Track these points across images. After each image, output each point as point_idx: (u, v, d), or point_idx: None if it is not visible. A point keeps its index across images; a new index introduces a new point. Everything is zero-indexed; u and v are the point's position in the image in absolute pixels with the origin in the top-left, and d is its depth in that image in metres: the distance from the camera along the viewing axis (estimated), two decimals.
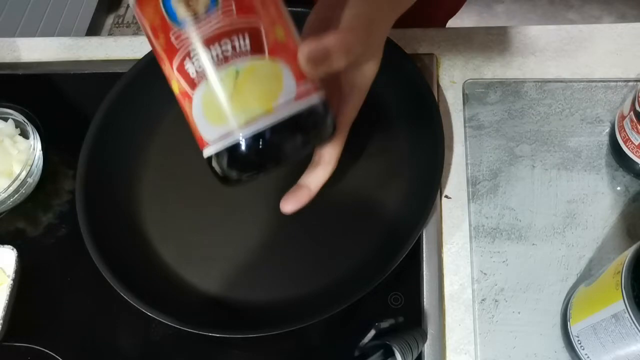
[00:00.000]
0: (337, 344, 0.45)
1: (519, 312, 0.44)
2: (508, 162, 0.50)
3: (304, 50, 0.29)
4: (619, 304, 0.33)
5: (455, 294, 0.46)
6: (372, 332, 0.43)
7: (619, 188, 0.48)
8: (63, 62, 0.62)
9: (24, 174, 0.51)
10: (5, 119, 0.54)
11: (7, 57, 0.63)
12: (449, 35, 0.57)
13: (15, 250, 0.49)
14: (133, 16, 1.84)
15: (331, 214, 0.49)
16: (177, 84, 0.30)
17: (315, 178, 0.37)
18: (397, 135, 0.52)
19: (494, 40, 0.56)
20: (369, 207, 0.49)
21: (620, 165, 0.48)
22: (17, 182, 0.50)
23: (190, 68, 0.28)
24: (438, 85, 0.55)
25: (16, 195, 0.51)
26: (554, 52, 0.55)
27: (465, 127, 0.52)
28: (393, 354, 0.40)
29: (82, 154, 0.50)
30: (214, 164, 0.30)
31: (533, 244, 0.47)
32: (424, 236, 0.47)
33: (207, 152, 0.30)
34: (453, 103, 0.54)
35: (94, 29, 1.74)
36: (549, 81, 0.53)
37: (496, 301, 0.45)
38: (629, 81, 0.52)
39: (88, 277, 0.47)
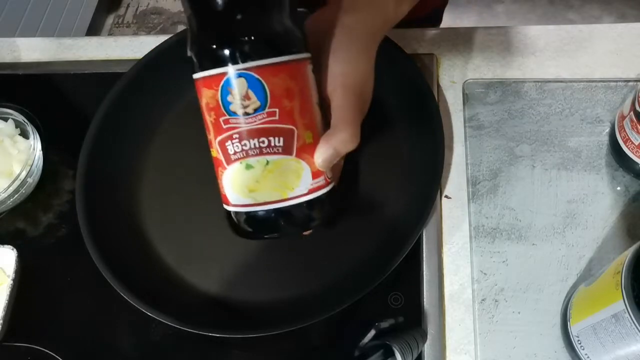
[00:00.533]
0: (337, 344, 0.45)
1: (519, 312, 0.44)
2: (508, 162, 0.50)
3: (318, 158, 0.35)
4: (619, 304, 0.33)
5: (455, 294, 0.46)
6: (372, 332, 0.43)
7: (619, 188, 0.48)
8: (63, 62, 0.62)
9: (24, 174, 0.51)
10: (5, 119, 0.55)
11: (7, 57, 0.63)
12: (449, 35, 0.57)
13: (15, 250, 0.49)
14: (133, 16, 1.84)
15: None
16: (216, 152, 0.36)
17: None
18: (397, 135, 0.52)
19: (494, 40, 0.56)
20: (369, 207, 0.49)
21: (620, 165, 0.48)
22: (17, 182, 0.50)
23: (230, 147, 0.34)
24: (438, 85, 0.55)
25: (16, 195, 0.51)
26: (554, 52, 0.55)
27: (465, 127, 0.52)
28: (393, 354, 0.40)
29: (82, 154, 0.50)
30: (233, 218, 0.37)
31: (533, 244, 0.47)
32: (424, 236, 0.47)
33: (228, 209, 0.37)
34: (453, 103, 0.54)
35: (94, 29, 1.74)
36: (549, 81, 0.53)
37: (496, 301, 0.45)
38: (629, 81, 0.52)
39: (88, 277, 0.47)
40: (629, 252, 0.34)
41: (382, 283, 0.41)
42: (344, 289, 0.44)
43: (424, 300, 0.45)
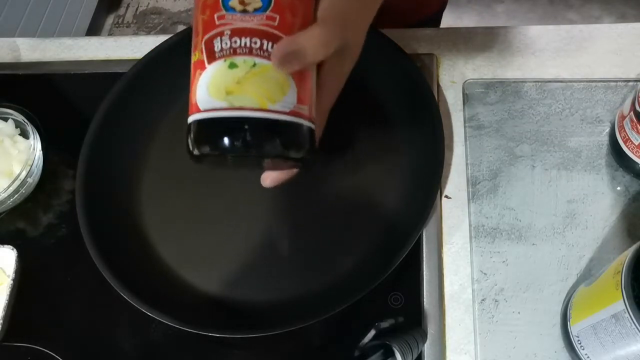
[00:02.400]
0: (337, 344, 0.45)
1: (519, 312, 0.44)
2: (508, 162, 0.50)
3: (276, 52, 0.31)
4: (619, 304, 0.33)
5: (455, 294, 0.46)
6: (372, 332, 0.43)
7: (619, 188, 0.48)
8: (63, 62, 0.62)
9: (24, 174, 0.51)
10: (5, 119, 0.55)
11: (7, 57, 0.63)
12: (449, 35, 0.57)
13: (15, 250, 0.49)
14: (133, 16, 1.84)
15: (331, 214, 0.49)
16: (199, 53, 0.33)
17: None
18: (397, 135, 0.52)
19: (494, 40, 0.56)
20: (369, 207, 0.49)
21: (620, 165, 0.48)
22: (17, 182, 0.50)
23: (217, 44, 0.32)
24: (438, 85, 0.55)
25: (16, 195, 0.51)
26: (554, 52, 0.55)
27: (465, 127, 0.52)
28: (393, 354, 0.40)
29: (82, 154, 0.50)
30: (193, 131, 0.33)
31: (533, 244, 0.47)
32: (424, 236, 0.47)
33: (194, 117, 0.33)
34: (453, 103, 0.54)
35: (94, 29, 1.74)
36: (549, 81, 0.53)
37: (496, 301, 0.45)
38: (629, 81, 0.52)
39: (88, 277, 0.47)
40: (629, 252, 0.34)
41: (382, 283, 0.41)
42: (344, 289, 0.44)
43: (424, 300, 0.45)
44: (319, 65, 0.36)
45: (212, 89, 0.32)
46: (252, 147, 0.32)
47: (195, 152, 0.33)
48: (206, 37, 0.32)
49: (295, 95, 0.33)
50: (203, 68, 0.32)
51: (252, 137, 0.32)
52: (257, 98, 0.32)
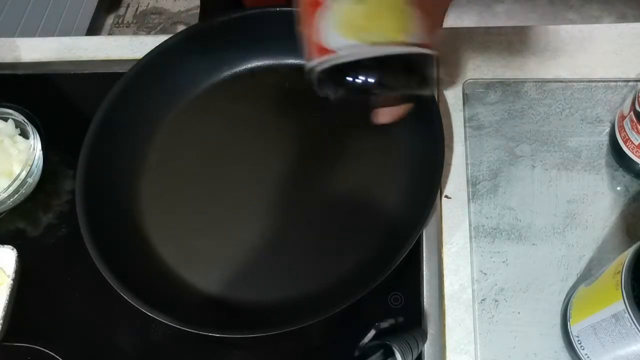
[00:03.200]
0: (337, 344, 0.45)
1: (519, 312, 0.44)
2: (508, 162, 0.50)
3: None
4: (619, 304, 0.33)
5: (455, 294, 0.46)
6: (372, 332, 0.43)
7: (619, 188, 0.48)
8: (63, 62, 0.62)
9: (24, 174, 0.51)
10: (5, 119, 0.54)
11: (7, 57, 0.63)
12: (449, 35, 0.57)
13: (15, 250, 0.49)
14: (133, 16, 1.84)
15: (331, 214, 0.49)
16: None
17: None
18: (397, 135, 0.52)
19: (494, 40, 0.56)
20: (369, 207, 0.49)
21: (620, 165, 0.48)
22: (17, 182, 0.50)
23: None
24: (438, 85, 0.55)
25: (16, 195, 0.51)
26: (554, 52, 0.55)
27: (465, 127, 0.52)
28: (393, 354, 0.40)
29: (82, 154, 0.50)
30: (325, 73, 0.32)
31: (533, 244, 0.47)
32: (424, 236, 0.47)
33: (323, 60, 0.31)
34: (453, 103, 0.54)
35: (94, 29, 1.74)
36: (549, 81, 0.53)
37: (496, 301, 0.45)
38: (629, 81, 0.52)
39: (88, 277, 0.47)
40: (629, 252, 0.34)
41: (382, 283, 0.41)
42: (344, 289, 0.44)
43: (424, 300, 0.45)
44: None
45: (340, 26, 0.30)
46: (383, 84, 0.31)
47: (331, 95, 0.32)
48: None
49: (421, 24, 0.31)
50: (325, 6, 0.31)
51: (383, 73, 0.31)
52: (389, 32, 0.30)
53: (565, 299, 0.44)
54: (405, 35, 0.30)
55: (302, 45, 0.33)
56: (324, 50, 0.31)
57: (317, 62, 0.32)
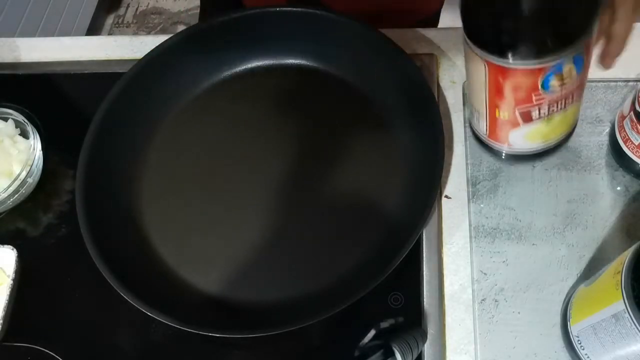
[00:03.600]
0: (337, 344, 0.45)
1: (519, 312, 0.44)
2: (508, 162, 0.50)
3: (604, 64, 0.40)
4: (619, 304, 0.33)
5: (455, 294, 0.46)
6: (372, 332, 0.43)
7: (619, 188, 0.48)
8: (63, 62, 0.62)
9: (24, 174, 0.51)
10: (5, 119, 0.54)
11: (7, 57, 0.63)
12: (449, 35, 0.57)
13: (15, 250, 0.49)
14: (133, 16, 1.84)
15: (331, 214, 0.49)
16: (506, 116, 0.40)
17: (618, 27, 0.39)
18: (397, 136, 0.52)
19: None
20: (369, 207, 0.49)
21: (620, 165, 0.48)
22: (17, 182, 0.50)
23: (535, 112, 0.39)
24: (438, 85, 0.55)
25: (16, 195, 0.51)
26: None
27: (465, 127, 0.52)
28: (393, 354, 0.40)
29: (82, 154, 0.50)
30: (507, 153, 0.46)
31: (533, 244, 0.47)
32: (424, 236, 0.47)
33: (505, 149, 0.45)
34: (453, 103, 0.54)
35: (94, 29, 1.74)
36: None
37: (496, 301, 0.45)
38: (629, 81, 0.52)
39: (88, 277, 0.47)
40: (629, 252, 0.34)
41: (382, 283, 0.41)
42: (344, 289, 0.44)
43: (424, 300, 0.45)
44: None
45: (530, 138, 0.41)
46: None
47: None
48: (520, 108, 0.38)
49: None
50: (516, 126, 0.40)
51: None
52: (565, 128, 0.42)
53: (565, 299, 0.44)
54: (573, 124, 0.42)
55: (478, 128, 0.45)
56: (508, 145, 0.43)
57: (505, 148, 0.45)
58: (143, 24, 1.83)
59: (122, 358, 0.47)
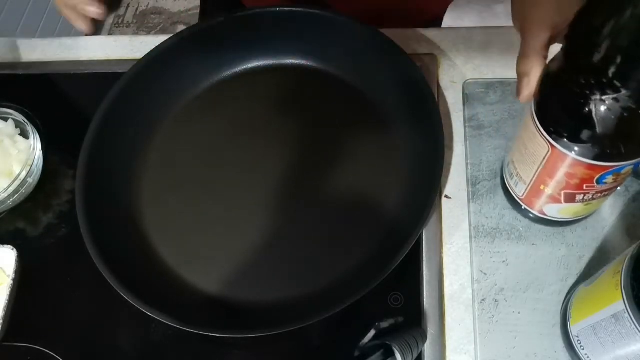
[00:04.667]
0: (337, 344, 0.45)
1: (519, 312, 0.44)
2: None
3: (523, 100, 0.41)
4: (619, 304, 0.33)
5: (455, 294, 0.46)
6: (372, 332, 0.43)
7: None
8: (63, 62, 0.62)
9: (24, 174, 0.51)
10: (5, 119, 0.54)
11: (7, 57, 0.63)
12: (449, 35, 0.57)
13: (15, 250, 0.49)
14: (133, 16, 1.84)
15: (331, 214, 0.49)
16: (551, 191, 0.41)
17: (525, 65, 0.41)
18: (397, 136, 0.52)
19: (494, 40, 0.56)
20: (369, 208, 0.49)
21: None
22: (17, 182, 0.50)
23: (579, 197, 0.40)
24: (438, 85, 0.55)
25: (16, 195, 0.51)
26: (554, 52, 0.55)
27: (465, 127, 0.52)
28: (393, 354, 0.40)
29: (82, 154, 0.50)
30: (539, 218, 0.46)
31: (533, 244, 0.47)
32: (424, 236, 0.47)
33: (535, 213, 0.45)
34: (453, 103, 0.54)
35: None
36: None
37: (496, 301, 0.45)
38: None
39: (88, 277, 0.47)
40: (628, 252, 0.34)
41: (382, 283, 0.41)
42: (343, 289, 0.44)
43: (424, 300, 0.45)
44: None
45: (564, 213, 0.43)
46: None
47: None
48: (567, 191, 0.40)
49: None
50: (558, 202, 0.41)
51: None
52: (597, 209, 0.45)
53: (565, 299, 0.44)
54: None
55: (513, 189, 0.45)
56: (539, 210, 0.44)
57: (536, 213, 0.45)
58: (143, 24, 1.83)
59: (122, 358, 0.47)
